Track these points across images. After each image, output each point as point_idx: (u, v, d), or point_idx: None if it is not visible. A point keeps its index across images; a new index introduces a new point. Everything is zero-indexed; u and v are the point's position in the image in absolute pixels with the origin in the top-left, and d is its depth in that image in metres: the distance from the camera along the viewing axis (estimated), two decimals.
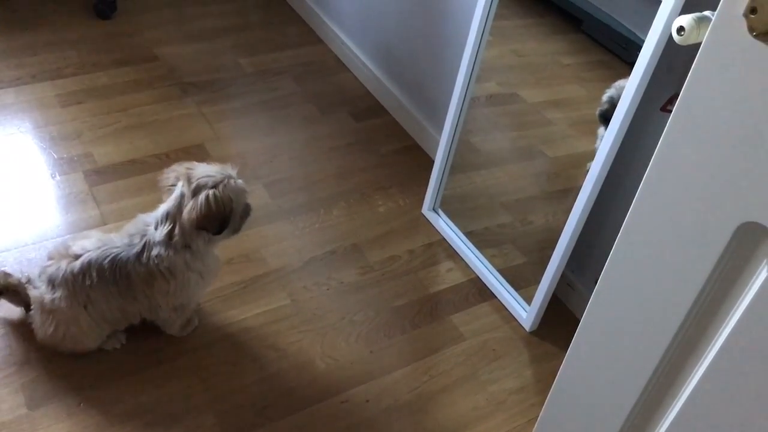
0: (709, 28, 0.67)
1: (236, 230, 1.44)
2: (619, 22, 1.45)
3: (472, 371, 1.58)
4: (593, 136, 1.51)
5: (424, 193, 1.95)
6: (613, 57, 1.47)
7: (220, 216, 1.36)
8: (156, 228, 1.39)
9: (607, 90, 1.45)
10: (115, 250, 1.38)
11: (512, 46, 1.72)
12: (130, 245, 1.39)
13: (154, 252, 1.37)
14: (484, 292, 1.76)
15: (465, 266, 1.82)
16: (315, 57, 2.52)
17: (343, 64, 2.50)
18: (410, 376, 1.55)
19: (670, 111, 1.29)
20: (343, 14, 2.45)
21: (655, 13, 1.20)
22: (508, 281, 1.74)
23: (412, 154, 2.16)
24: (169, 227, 1.37)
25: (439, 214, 1.92)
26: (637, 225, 0.83)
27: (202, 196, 1.33)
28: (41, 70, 2.24)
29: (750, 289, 0.73)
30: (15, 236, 1.70)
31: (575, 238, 1.51)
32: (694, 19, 0.79)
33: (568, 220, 1.50)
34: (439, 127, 1.95)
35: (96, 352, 1.48)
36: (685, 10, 1.14)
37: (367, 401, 1.49)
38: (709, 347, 0.80)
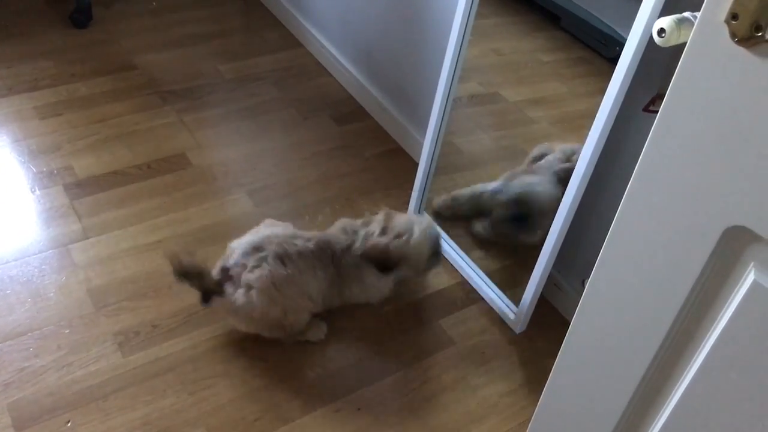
0: (691, 33, 0.67)
1: (419, 272, 1.67)
2: (597, 18, 1.45)
3: (462, 375, 1.58)
4: (575, 133, 1.51)
5: (409, 197, 1.94)
6: (592, 53, 1.47)
7: (382, 258, 1.55)
8: (356, 243, 1.57)
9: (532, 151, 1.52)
10: (331, 238, 1.57)
11: (492, 44, 1.72)
12: (342, 239, 1.58)
13: (349, 259, 1.56)
14: (471, 295, 1.76)
15: (452, 269, 1.82)
16: (295, 61, 2.51)
17: (324, 68, 2.49)
18: (401, 382, 1.55)
19: (653, 111, 1.29)
20: (323, 17, 2.44)
21: (633, 8, 1.20)
22: (495, 283, 1.74)
23: (396, 158, 2.15)
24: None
25: (424, 217, 1.91)
26: (624, 229, 0.83)
27: (375, 240, 1.55)
28: (18, 81, 2.21)
29: (737, 292, 0.73)
30: None
31: (561, 239, 1.51)
32: (674, 21, 0.79)
33: (554, 221, 1.50)
34: (422, 129, 1.94)
35: (85, 369, 1.47)
36: (665, 12, 1.14)
37: (359, 409, 1.48)
38: (698, 349, 0.80)
